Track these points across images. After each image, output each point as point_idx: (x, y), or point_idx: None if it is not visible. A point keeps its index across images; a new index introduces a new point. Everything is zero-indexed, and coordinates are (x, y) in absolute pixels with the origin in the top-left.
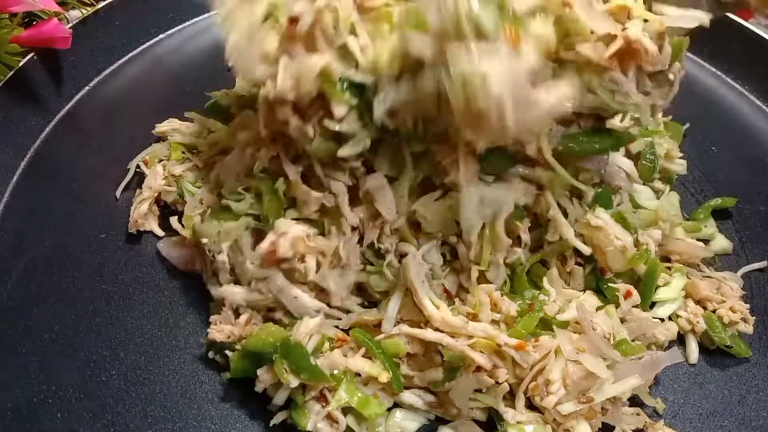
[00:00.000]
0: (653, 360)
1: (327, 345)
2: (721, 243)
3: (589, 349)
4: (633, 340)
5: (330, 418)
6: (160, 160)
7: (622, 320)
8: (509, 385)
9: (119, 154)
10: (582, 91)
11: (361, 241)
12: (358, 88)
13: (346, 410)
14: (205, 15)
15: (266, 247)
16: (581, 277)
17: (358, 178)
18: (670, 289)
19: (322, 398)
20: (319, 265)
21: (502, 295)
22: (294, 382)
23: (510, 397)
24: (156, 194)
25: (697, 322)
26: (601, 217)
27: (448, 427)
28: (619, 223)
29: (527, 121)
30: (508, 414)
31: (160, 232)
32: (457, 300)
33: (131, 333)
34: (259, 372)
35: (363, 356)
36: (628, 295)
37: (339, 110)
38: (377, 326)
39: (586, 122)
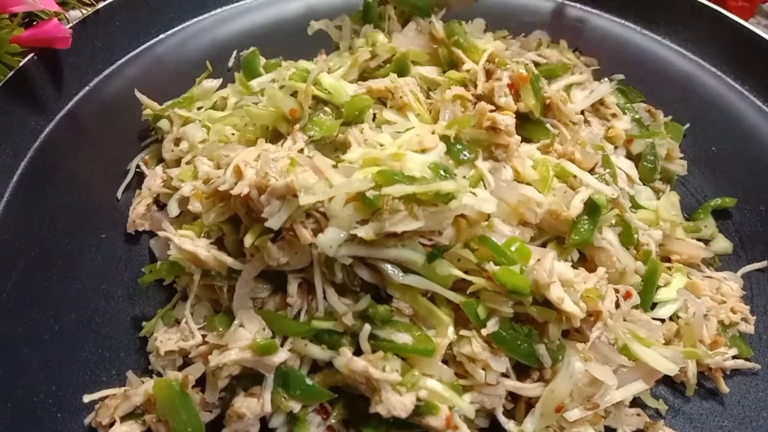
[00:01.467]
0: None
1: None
2: (722, 243)
3: (596, 357)
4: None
5: (331, 430)
6: (160, 161)
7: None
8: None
9: (119, 154)
10: None
11: None
12: None
13: (348, 421)
14: (205, 15)
15: None
16: None
17: None
18: (671, 290)
19: (322, 411)
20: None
21: None
22: (296, 407)
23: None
24: (155, 195)
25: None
26: (607, 237)
27: None
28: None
29: None
30: (509, 425)
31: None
32: None
33: (132, 333)
34: (235, 401)
35: None
36: (627, 296)
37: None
38: None
39: None
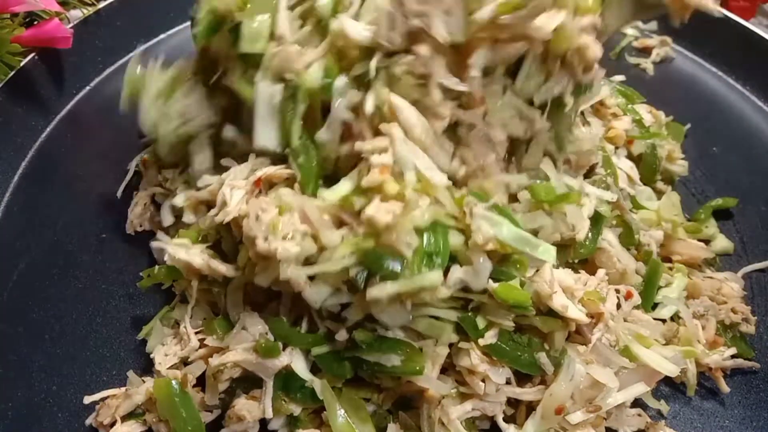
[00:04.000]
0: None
1: None
2: (722, 243)
3: (597, 360)
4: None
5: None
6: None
7: (625, 321)
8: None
9: (119, 154)
10: None
11: None
12: None
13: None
14: None
15: None
16: None
17: None
18: (672, 290)
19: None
20: None
21: None
22: (297, 410)
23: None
24: (152, 195)
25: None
26: (607, 238)
27: None
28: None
29: None
30: (510, 429)
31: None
32: None
33: (132, 333)
34: (236, 403)
35: None
36: (629, 296)
37: None
38: None
39: None
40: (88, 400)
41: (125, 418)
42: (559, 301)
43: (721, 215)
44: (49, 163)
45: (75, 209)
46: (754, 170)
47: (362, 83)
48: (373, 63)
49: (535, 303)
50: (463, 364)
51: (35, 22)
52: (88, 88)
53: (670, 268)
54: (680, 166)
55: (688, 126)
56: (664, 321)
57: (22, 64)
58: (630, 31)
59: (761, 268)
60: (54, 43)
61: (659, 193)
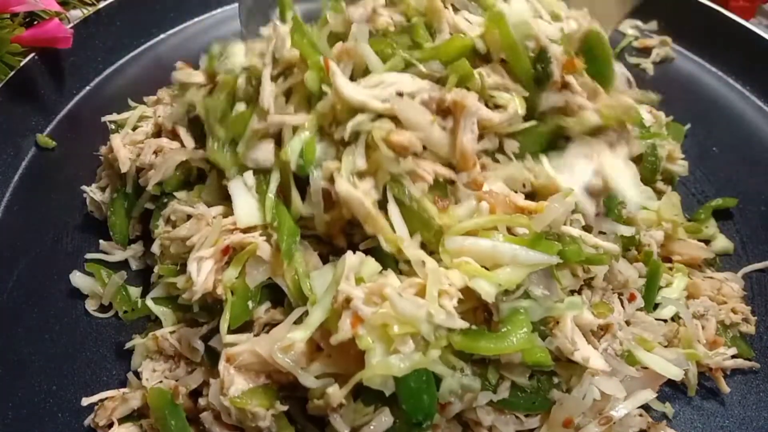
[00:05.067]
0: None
1: None
2: (723, 243)
3: (603, 372)
4: None
5: None
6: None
7: (627, 323)
8: None
9: None
10: None
11: None
12: None
13: None
14: (206, 15)
15: None
16: None
17: None
18: (673, 290)
19: None
20: None
21: None
22: None
23: None
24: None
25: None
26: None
27: None
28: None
29: None
30: None
31: None
32: None
33: (132, 333)
34: None
35: None
36: (631, 298)
37: None
38: None
39: None
40: (86, 401)
41: (122, 420)
42: (581, 355)
43: (721, 215)
44: (49, 163)
45: (75, 209)
46: (754, 170)
47: (339, 145)
48: (350, 125)
49: (555, 354)
50: (468, 416)
51: (35, 22)
52: (88, 88)
53: (671, 269)
54: (680, 166)
55: (688, 126)
56: (665, 321)
57: (22, 64)
58: (630, 31)
59: (761, 268)
60: (54, 43)
61: (659, 193)
